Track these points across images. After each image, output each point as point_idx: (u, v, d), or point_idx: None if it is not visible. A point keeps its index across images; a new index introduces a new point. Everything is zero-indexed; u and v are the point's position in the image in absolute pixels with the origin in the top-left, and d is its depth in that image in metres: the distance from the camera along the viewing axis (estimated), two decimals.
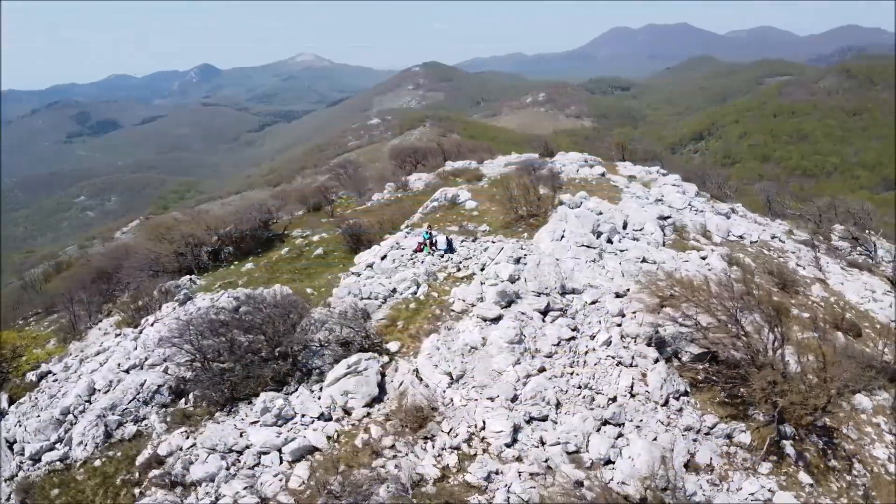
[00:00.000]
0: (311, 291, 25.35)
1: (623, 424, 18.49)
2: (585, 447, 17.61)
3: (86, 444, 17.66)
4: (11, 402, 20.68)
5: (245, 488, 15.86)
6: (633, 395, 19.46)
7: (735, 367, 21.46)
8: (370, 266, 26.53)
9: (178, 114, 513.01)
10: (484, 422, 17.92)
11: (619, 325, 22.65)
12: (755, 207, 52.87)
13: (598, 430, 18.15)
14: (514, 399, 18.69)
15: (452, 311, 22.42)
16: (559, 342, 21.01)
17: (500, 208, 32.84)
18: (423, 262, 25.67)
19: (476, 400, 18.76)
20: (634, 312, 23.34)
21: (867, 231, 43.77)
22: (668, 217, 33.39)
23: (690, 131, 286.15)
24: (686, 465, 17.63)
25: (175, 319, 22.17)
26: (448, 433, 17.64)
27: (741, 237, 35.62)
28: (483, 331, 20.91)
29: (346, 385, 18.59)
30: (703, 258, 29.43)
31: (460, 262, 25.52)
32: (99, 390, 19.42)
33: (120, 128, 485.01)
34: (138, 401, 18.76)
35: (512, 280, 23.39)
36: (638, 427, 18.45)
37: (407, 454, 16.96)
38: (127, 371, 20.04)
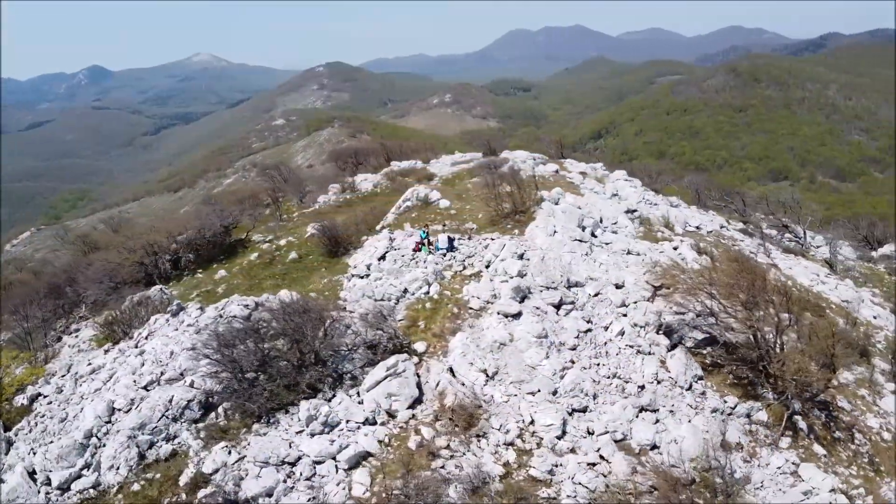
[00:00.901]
0: (314, 296, 24.57)
1: (658, 410, 19.19)
2: (629, 434, 18.14)
3: (118, 468, 16.44)
4: (7, 428, 18.92)
5: (310, 500, 15.31)
6: (658, 382, 20.20)
7: (735, 349, 22.73)
8: (368, 267, 26.08)
9: (66, 118, 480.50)
10: (532, 416, 18.12)
11: (625, 315, 23.43)
12: (686, 201, 55.65)
13: (638, 416, 18.73)
14: (555, 392, 19.01)
15: (470, 308, 22.46)
16: (578, 334, 21.50)
17: (476, 206, 33.06)
18: (426, 261, 25.51)
19: (516, 395, 18.94)
20: (636, 302, 24.23)
21: (798, 219, 47.09)
22: (635, 210, 34.72)
23: (590, 130, 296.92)
24: (721, 445, 18.46)
25: (186, 330, 21.06)
26: (499, 430, 17.70)
27: (698, 227, 37.48)
28: (507, 327, 21.09)
29: (389, 388, 18.27)
30: (675, 248, 30.75)
31: (464, 261, 25.55)
32: (119, 409, 18.07)
33: (3, 134, 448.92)
34: (167, 418, 17.62)
35: (521, 275, 23.66)
36: (671, 412, 19.20)
37: (464, 453, 16.91)
38: (146, 388, 18.76)
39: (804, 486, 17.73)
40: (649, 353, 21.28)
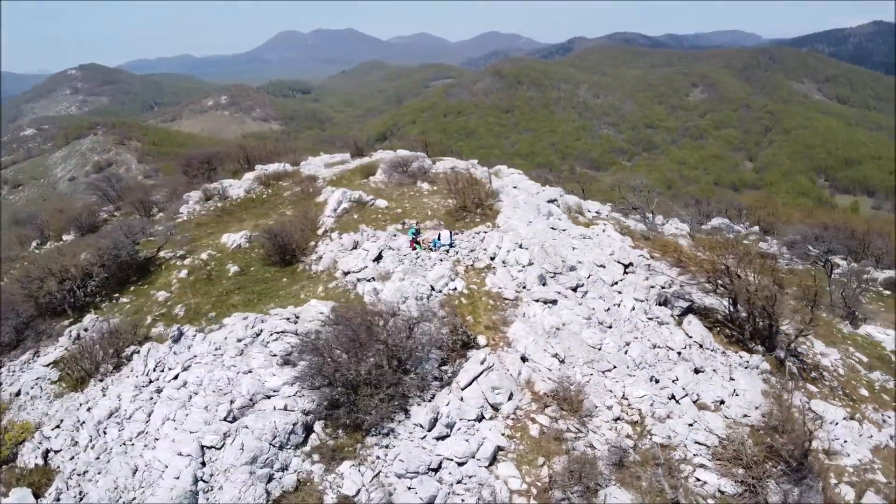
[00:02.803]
0: (296, 310, 22.85)
1: (704, 370, 21.28)
2: (699, 394, 19.97)
3: None
4: (36, 496, 15.44)
5: (479, 501, 14.87)
6: (689, 347, 22.36)
7: (712, 313, 25.91)
8: (361, 269, 25.07)
9: None
10: (623, 391, 19.17)
11: (620, 292, 25.40)
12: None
13: (695, 378, 20.65)
14: (628, 367, 20.22)
15: (506, 299, 22.81)
16: (608, 312, 22.97)
17: (411, 204, 33.21)
18: (430, 258, 25.20)
19: (591, 374, 19.86)
20: (621, 280, 26.35)
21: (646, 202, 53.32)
22: (555, 200, 37.12)
23: (376, 131, 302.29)
24: (763, 394, 21.07)
25: (229, 353, 18.73)
26: (604, 407, 18.49)
27: (598, 212, 41.05)
28: (553, 313, 21.90)
29: (491, 381, 18.23)
30: (603, 230, 33.55)
31: (468, 255, 25.61)
32: (212, 447, 15.64)
33: None
34: (275, 447, 15.68)
35: (531, 264, 24.49)
36: (715, 370, 21.48)
37: (587, 433, 17.48)
38: (227, 419, 16.46)
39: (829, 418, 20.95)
40: (665, 324, 23.42)
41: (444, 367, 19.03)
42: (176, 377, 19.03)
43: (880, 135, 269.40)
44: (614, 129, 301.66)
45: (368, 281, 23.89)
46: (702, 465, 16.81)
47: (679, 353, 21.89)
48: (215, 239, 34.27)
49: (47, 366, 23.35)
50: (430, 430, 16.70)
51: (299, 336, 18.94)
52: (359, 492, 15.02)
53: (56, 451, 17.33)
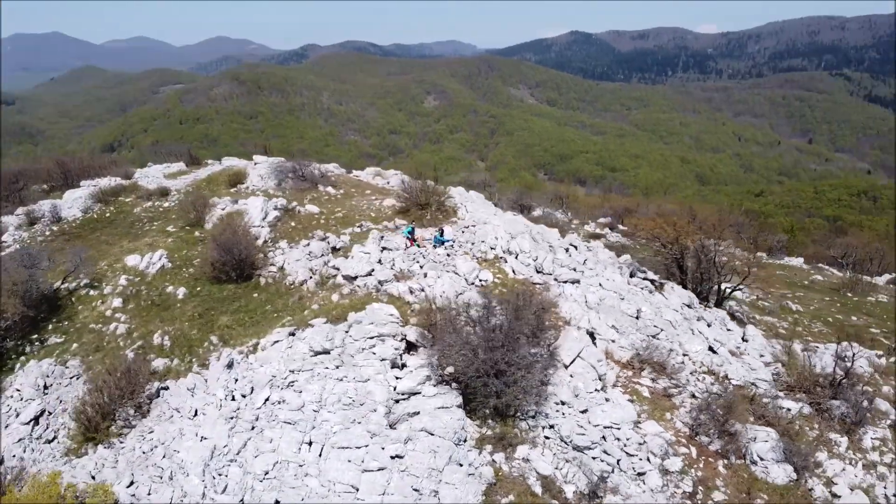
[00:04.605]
0: (356, 316, 21.61)
1: (712, 325, 24.82)
2: (719, 343, 23.35)
3: None
4: None
5: (653, 456, 16.32)
6: (683, 307, 25.74)
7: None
8: (374, 271, 24.37)
9: None
10: (682, 348, 21.71)
11: (592, 268, 28.08)
12: None
13: (711, 332, 24.04)
14: (665, 329, 22.86)
15: (535, 283, 23.99)
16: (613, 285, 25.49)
17: (339, 207, 32.77)
18: (438, 254, 25.27)
19: (649, 339, 22.10)
20: (585, 260, 29.16)
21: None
22: None
23: (100, 143, 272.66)
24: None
25: (357, 354, 17.28)
26: (677, 363, 20.86)
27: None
28: (586, 291, 23.77)
29: (594, 354, 19.56)
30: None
31: (470, 248, 26.03)
32: (397, 456, 14.70)
33: None
34: (454, 443, 15.36)
35: (535, 251, 26.05)
36: (710, 325, 25.04)
37: (684, 386, 19.77)
38: (391, 426, 15.36)
39: None
40: (652, 291, 26.57)
41: (533, 351, 19.79)
42: (267, 401, 17.28)
43: (585, 132, 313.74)
44: (360, 135, 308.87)
45: (387, 282, 23.36)
46: (776, 396, 20.08)
47: (677, 311, 25.13)
48: (111, 263, 29.78)
49: (28, 423, 19.12)
50: (571, 406, 17.55)
51: (415, 336, 18.49)
52: (556, 469, 15.53)
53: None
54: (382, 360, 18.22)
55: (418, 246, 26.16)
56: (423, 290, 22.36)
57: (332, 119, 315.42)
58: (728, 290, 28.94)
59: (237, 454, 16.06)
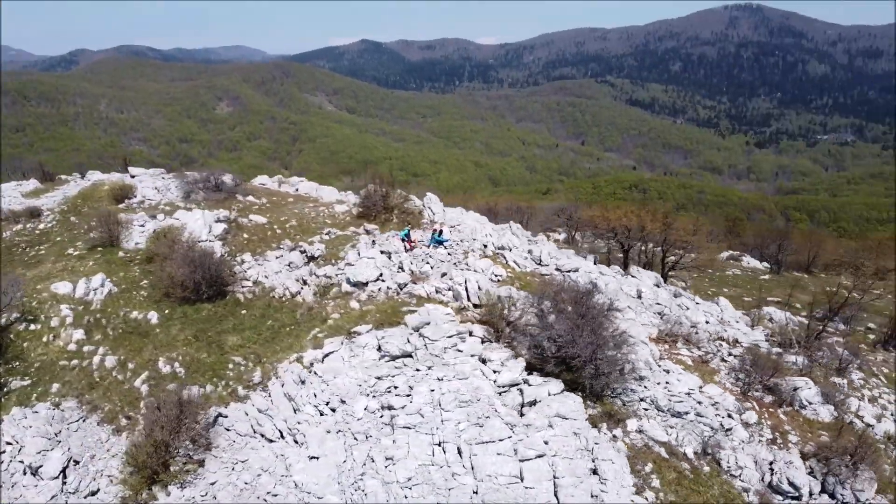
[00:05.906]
0: (415, 319, 20.95)
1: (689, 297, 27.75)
2: (708, 313, 26.30)
3: None
4: None
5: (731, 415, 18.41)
6: (657, 286, 28.35)
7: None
8: (380, 278, 23.79)
9: None
10: (687, 317, 24.19)
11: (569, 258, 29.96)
12: None
13: (693, 304, 26.98)
14: (668, 305, 25.24)
15: (544, 275, 25.04)
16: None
17: (289, 215, 31.50)
18: (440, 253, 25.23)
19: (653, 315, 24.29)
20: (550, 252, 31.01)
21: None
22: None
23: None
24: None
25: (444, 353, 16.84)
26: (705, 331, 23.25)
27: None
28: (606, 280, 25.51)
29: (640, 336, 21.07)
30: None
31: (467, 248, 26.18)
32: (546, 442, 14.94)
33: None
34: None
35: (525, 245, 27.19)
36: (679, 295, 28.00)
37: (714, 353, 22.12)
38: (522, 417, 15.46)
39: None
40: (624, 275, 28.92)
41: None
42: (366, 409, 17.02)
43: (386, 139, 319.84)
44: (146, 145, 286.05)
45: (407, 285, 23.05)
46: (778, 353, 23.20)
47: (665, 291, 27.73)
48: (29, 294, 25.42)
49: (56, 477, 16.29)
50: (649, 380, 19.02)
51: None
52: (668, 436, 16.89)
53: None
54: (472, 355, 18.23)
55: (415, 248, 25.99)
56: (450, 289, 22.43)
57: (113, 128, 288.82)
58: (671, 265, 32.50)
59: (363, 465, 15.22)
